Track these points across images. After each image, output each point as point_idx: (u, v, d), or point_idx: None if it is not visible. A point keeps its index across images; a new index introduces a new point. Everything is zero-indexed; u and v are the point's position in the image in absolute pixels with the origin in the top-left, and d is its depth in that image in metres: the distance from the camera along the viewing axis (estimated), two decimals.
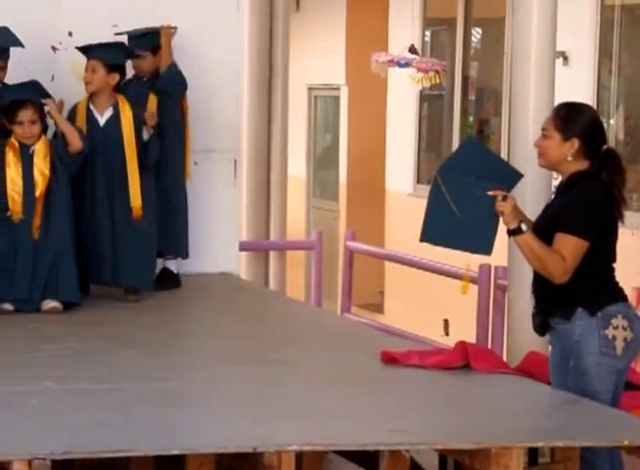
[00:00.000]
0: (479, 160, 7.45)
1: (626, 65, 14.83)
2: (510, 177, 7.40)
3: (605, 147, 7.31)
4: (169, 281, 10.02)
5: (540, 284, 7.33)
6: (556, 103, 8.66)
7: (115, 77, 9.66)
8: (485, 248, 7.37)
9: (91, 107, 9.68)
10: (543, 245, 7.14)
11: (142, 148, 9.58)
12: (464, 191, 7.25)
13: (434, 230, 7.41)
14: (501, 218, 7.16)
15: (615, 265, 7.28)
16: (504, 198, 7.15)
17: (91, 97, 9.67)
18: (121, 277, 9.63)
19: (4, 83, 9.54)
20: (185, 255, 10.22)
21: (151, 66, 10.04)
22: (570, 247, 7.08)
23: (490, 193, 7.17)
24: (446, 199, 7.26)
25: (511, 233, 7.16)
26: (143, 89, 9.93)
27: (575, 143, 7.21)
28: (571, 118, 7.28)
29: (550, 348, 7.58)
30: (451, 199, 7.24)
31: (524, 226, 7.15)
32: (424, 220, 7.41)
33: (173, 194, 10.17)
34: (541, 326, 7.40)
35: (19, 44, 9.40)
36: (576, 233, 7.08)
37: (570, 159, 7.24)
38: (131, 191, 9.59)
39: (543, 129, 7.38)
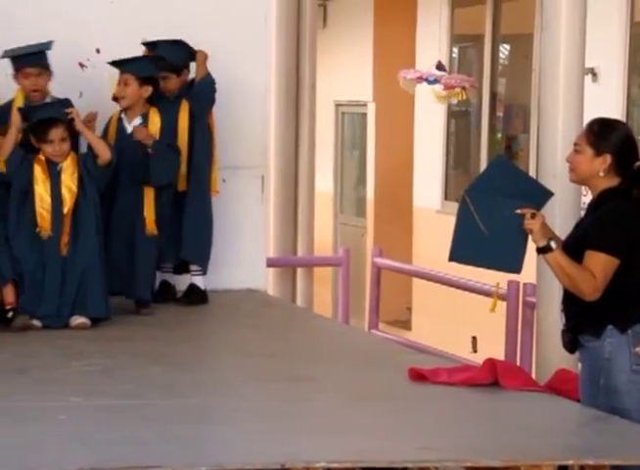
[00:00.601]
0: (507, 179, 7.45)
1: None
2: (540, 196, 7.40)
3: (638, 164, 7.28)
4: (197, 297, 10.03)
5: (570, 301, 7.33)
6: (585, 120, 8.67)
7: (148, 90, 9.70)
8: (515, 266, 7.37)
9: (122, 116, 9.73)
10: (573, 263, 7.14)
11: (142, 166, 9.60)
12: (492, 210, 7.25)
13: (463, 250, 7.42)
14: (530, 236, 7.17)
15: None
16: (532, 215, 7.16)
17: (125, 109, 9.72)
18: (135, 290, 9.66)
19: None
20: (204, 271, 10.22)
21: (176, 85, 10.06)
22: (600, 264, 7.08)
23: (519, 211, 7.18)
24: (474, 218, 7.26)
25: (540, 251, 7.16)
26: (171, 108, 9.95)
27: (607, 159, 7.20)
28: (604, 134, 7.27)
29: (580, 365, 7.57)
30: (479, 218, 7.24)
31: (553, 244, 7.14)
32: (452, 240, 7.42)
33: (199, 209, 10.19)
34: (571, 343, 7.39)
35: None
36: (606, 250, 7.07)
37: (601, 174, 7.23)
38: (145, 205, 9.62)
39: (575, 144, 7.37)
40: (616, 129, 7.41)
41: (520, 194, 7.25)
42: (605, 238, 7.12)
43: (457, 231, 7.37)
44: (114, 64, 9.69)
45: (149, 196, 9.65)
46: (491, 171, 7.82)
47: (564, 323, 7.41)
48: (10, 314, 9.04)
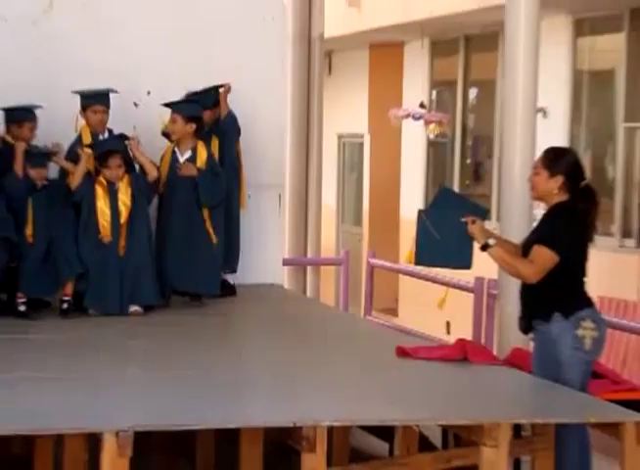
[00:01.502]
0: (453, 201, 7.74)
1: (593, 118, 14.83)
2: (480, 211, 7.59)
3: (583, 183, 7.32)
4: (228, 290, 10.03)
5: (525, 293, 7.37)
6: (537, 149, 8.74)
7: (192, 126, 9.69)
8: (466, 263, 7.52)
9: (175, 149, 9.73)
10: (511, 254, 7.29)
11: (195, 190, 9.56)
12: (444, 221, 7.43)
13: (425, 256, 7.60)
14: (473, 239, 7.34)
15: (586, 279, 7.31)
16: (473, 222, 7.33)
17: (177, 142, 9.75)
18: (194, 286, 9.67)
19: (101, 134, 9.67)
20: (234, 270, 10.23)
21: (211, 118, 10.07)
22: (541, 255, 7.13)
23: (463, 219, 7.32)
24: (430, 230, 7.42)
25: (482, 249, 7.31)
26: (206, 137, 9.96)
27: (560, 179, 7.24)
28: (557, 159, 7.30)
29: (532, 344, 7.59)
30: (434, 229, 7.41)
31: (491, 241, 7.30)
32: (415, 249, 7.54)
33: (230, 222, 10.18)
34: (525, 327, 7.42)
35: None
36: (550, 247, 7.12)
37: (555, 192, 7.26)
38: (205, 220, 9.64)
39: (534, 168, 7.42)
40: (566, 155, 7.46)
41: (464, 210, 7.44)
42: (551, 237, 7.15)
43: (418, 242, 7.50)
44: (166, 105, 9.71)
45: (207, 215, 9.67)
46: (440, 197, 8.00)
47: (520, 311, 7.44)
48: (65, 305, 9.06)
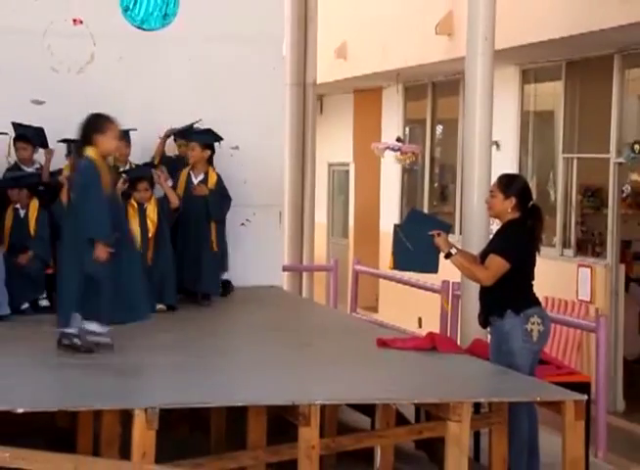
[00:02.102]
0: (421, 219, 7.95)
1: (537, 150, 14.85)
2: (445, 226, 7.58)
3: (531, 203, 7.34)
4: (227, 287, 9.97)
5: (483, 294, 7.36)
6: (492, 176, 8.77)
7: (208, 152, 9.67)
8: (434, 269, 7.54)
9: (191, 173, 9.69)
10: (469, 261, 7.32)
11: (205, 207, 9.54)
12: (415, 234, 7.48)
13: (400, 262, 7.64)
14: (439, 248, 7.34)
15: (534, 282, 7.30)
16: (438, 235, 7.33)
17: (192, 166, 9.69)
18: (201, 286, 9.60)
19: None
20: (227, 269, 10.03)
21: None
22: (494, 263, 7.13)
23: (430, 233, 7.33)
24: (404, 241, 7.45)
25: (446, 257, 7.32)
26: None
27: (513, 200, 7.23)
28: (510, 183, 7.33)
29: (489, 336, 7.57)
30: (407, 241, 7.44)
31: (453, 251, 7.33)
32: (392, 257, 7.56)
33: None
34: (484, 322, 7.40)
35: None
36: (502, 255, 7.12)
37: (509, 211, 7.26)
38: (212, 232, 9.61)
39: (491, 191, 7.44)
40: (517, 180, 7.53)
41: (431, 226, 7.46)
42: (502, 248, 7.17)
43: (394, 251, 7.52)
44: (184, 134, 9.70)
45: (214, 227, 9.62)
46: (411, 216, 8.15)
47: (479, 309, 7.42)
48: None
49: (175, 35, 10.30)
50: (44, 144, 9.32)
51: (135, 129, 9.50)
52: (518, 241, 7.19)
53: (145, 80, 10.15)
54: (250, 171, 10.32)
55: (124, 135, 9.45)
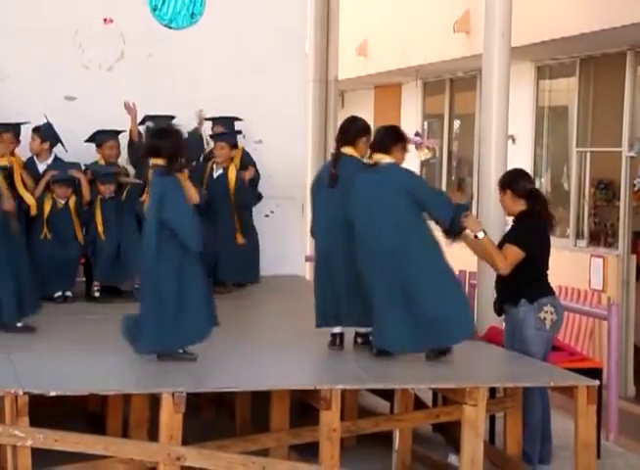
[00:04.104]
0: None
1: (552, 144, 14.81)
2: (462, 207, 7.01)
3: (530, 188, 7.31)
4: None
5: (499, 283, 7.35)
6: (508, 168, 8.76)
7: (234, 151, 9.67)
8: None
9: (214, 166, 9.68)
10: (494, 247, 7.17)
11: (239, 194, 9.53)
12: None
13: None
14: (468, 230, 7.03)
15: (548, 272, 7.30)
16: (465, 216, 6.94)
17: (215, 162, 9.65)
18: (231, 275, 9.55)
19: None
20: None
21: None
22: (511, 252, 7.11)
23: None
24: None
25: (475, 236, 7.06)
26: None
27: (508, 192, 7.26)
28: (504, 178, 7.42)
29: (504, 324, 7.56)
30: None
31: (480, 235, 7.06)
32: None
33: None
34: (499, 310, 7.40)
35: None
36: (517, 244, 7.11)
37: (515, 204, 7.25)
38: (236, 223, 9.60)
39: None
40: (509, 172, 7.60)
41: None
42: (517, 237, 7.16)
43: None
44: (217, 136, 9.70)
45: (239, 217, 9.61)
46: None
47: (495, 297, 7.41)
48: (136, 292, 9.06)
49: (202, 34, 10.31)
50: (56, 139, 9.29)
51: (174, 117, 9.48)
52: (531, 229, 7.19)
53: (173, 77, 10.15)
54: (273, 165, 10.31)
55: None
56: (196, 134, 9.65)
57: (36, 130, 9.21)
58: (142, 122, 9.54)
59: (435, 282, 6.66)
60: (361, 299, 6.84)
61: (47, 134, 9.19)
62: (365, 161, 7.08)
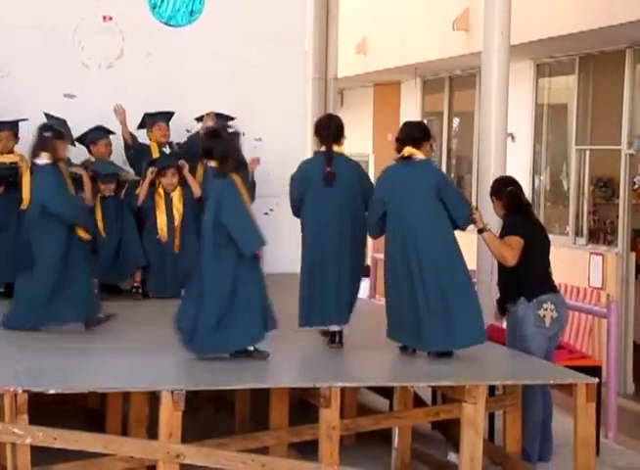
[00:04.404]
0: None
1: (551, 141, 14.80)
2: None
3: (508, 189, 7.46)
4: None
5: (501, 282, 7.42)
6: (507, 167, 8.85)
7: None
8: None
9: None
10: (499, 240, 7.25)
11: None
12: None
13: None
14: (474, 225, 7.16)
15: (549, 270, 7.34)
16: (476, 209, 7.20)
17: None
18: None
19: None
20: None
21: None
22: (512, 241, 7.17)
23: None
24: None
25: (480, 231, 7.18)
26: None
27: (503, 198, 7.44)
28: (494, 186, 7.61)
29: (505, 322, 7.57)
30: None
31: (487, 227, 7.19)
32: None
33: None
34: (502, 311, 7.44)
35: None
36: (514, 234, 7.18)
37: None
38: None
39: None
40: (500, 181, 7.72)
41: None
42: (511, 228, 7.25)
43: None
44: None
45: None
46: None
47: (498, 296, 7.46)
48: (134, 290, 9.06)
49: (201, 31, 10.31)
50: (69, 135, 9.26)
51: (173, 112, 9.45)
52: (520, 219, 7.30)
53: (172, 75, 10.15)
54: (272, 163, 10.29)
55: (163, 116, 9.49)
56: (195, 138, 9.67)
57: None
58: (142, 122, 9.53)
59: (464, 285, 6.74)
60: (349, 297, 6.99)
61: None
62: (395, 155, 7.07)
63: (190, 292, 6.69)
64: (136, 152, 9.52)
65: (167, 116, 9.60)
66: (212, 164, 6.61)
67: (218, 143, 6.53)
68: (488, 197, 9.16)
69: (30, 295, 7.29)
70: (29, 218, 7.50)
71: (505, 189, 7.42)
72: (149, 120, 9.56)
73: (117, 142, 9.56)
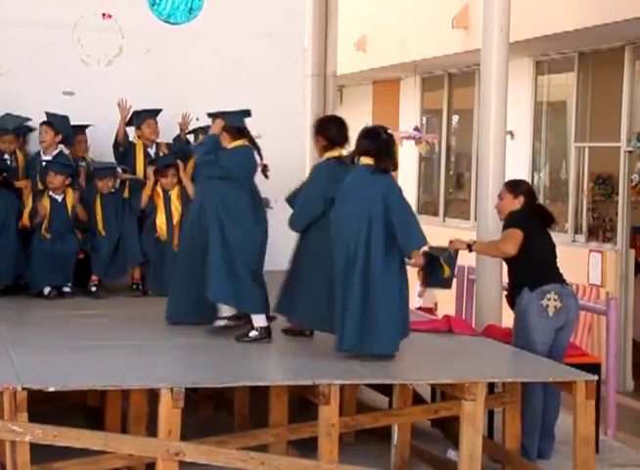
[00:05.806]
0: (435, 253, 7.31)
1: (550, 139, 14.80)
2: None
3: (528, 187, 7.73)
4: None
5: (508, 276, 7.57)
6: (507, 164, 8.92)
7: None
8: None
9: None
10: (487, 243, 7.69)
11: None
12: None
13: (432, 282, 7.49)
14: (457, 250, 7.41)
15: (555, 260, 7.47)
16: (451, 241, 7.41)
17: None
18: None
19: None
20: None
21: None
22: (509, 233, 7.33)
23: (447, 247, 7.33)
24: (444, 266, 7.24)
25: (469, 249, 7.49)
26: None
27: (521, 198, 7.51)
28: (517, 185, 7.68)
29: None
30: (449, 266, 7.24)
31: (470, 242, 7.50)
32: (424, 276, 7.53)
33: None
34: (511, 302, 7.53)
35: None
36: (512, 226, 7.31)
37: (517, 206, 7.49)
38: None
39: (499, 195, 7.74)
40: (524, 182, 7.87)
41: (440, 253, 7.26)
42: (510, 222, 7.37)
43: (428, 271, 7.29)
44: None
45: None
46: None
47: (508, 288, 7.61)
48: (134, 287, 9.05)
49: (200, 29, 10.30)
50: (69, 131, 9.26)
51: (161, 110, 9.44)
52: (521, 215, 7.40)
53: (171, 73, 10.13)
54: (272, 160, 10.25)
55: (150, 113, 9.45)
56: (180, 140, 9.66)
57: (49, 123, 9.14)
58: (130, 120, 9.48)
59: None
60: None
61: (60, 126, 9.17)
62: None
63: (352, 294, 6.57)
64: (125, 150, 9.50)
65: (156, 112, 9.55)
66: (368, 161, 6.80)
67: (374, 141, 6.84)
68: (487, 193, 9.26)
69: None
70: None
71: (523, 186, 7.64)
72: (138, 118, 9.52)
73: (97, 139, 9.46)
